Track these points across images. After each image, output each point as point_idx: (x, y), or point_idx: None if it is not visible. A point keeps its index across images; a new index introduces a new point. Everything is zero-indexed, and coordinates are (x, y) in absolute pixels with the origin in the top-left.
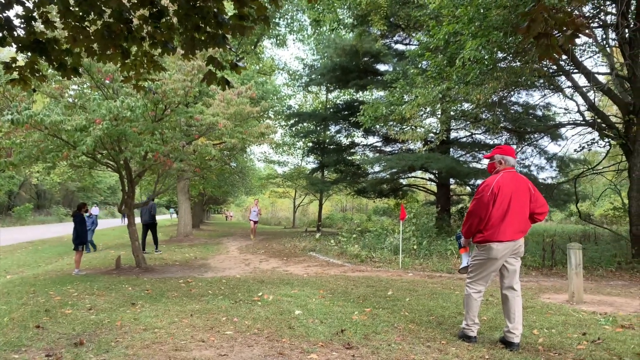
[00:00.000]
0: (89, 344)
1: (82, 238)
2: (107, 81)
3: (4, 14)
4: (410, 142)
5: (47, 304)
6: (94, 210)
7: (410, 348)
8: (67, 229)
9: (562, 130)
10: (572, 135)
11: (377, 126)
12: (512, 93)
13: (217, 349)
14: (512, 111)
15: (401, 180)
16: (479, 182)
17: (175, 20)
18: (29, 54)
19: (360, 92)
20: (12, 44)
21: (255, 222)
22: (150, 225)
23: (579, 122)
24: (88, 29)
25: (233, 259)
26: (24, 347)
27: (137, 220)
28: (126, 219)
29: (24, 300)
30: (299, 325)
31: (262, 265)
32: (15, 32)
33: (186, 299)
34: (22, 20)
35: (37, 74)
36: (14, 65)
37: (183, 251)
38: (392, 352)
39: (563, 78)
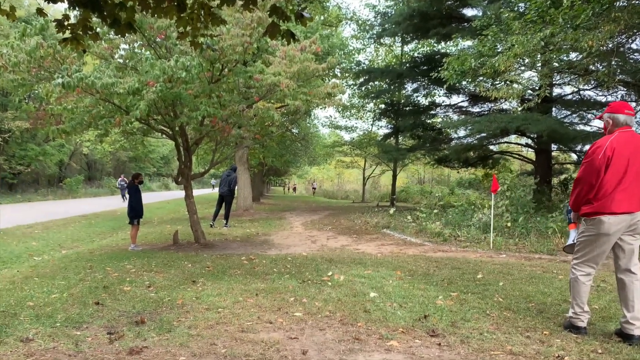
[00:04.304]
0: (150, 322)
1: (137, 211)
2: (159, 39)
3: None
4: (503, 100)
5: (105, 281)
6: None
7: (506, 338)
8: (119, 202)
9: None
10: None
11: (463, 82)
12: (633, 38)
13: (286, 331)
14: (632, 61)
15: (491, 147)
16: (587, 147)
17: None
18: (81, 10)
19: (443, 43)
20: None
21: None
22: (226, 197)
23: None
24: None
25: (298, 235)
26: (85, 324)
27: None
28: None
29: (81, 275)
30: (375, 309)
31: (330, 243)
32: None
33: (250, 277)
34: None
35: (89, 32)
36: (66, 23)
37: (243, 226)
38: (485, 342)
39: None
